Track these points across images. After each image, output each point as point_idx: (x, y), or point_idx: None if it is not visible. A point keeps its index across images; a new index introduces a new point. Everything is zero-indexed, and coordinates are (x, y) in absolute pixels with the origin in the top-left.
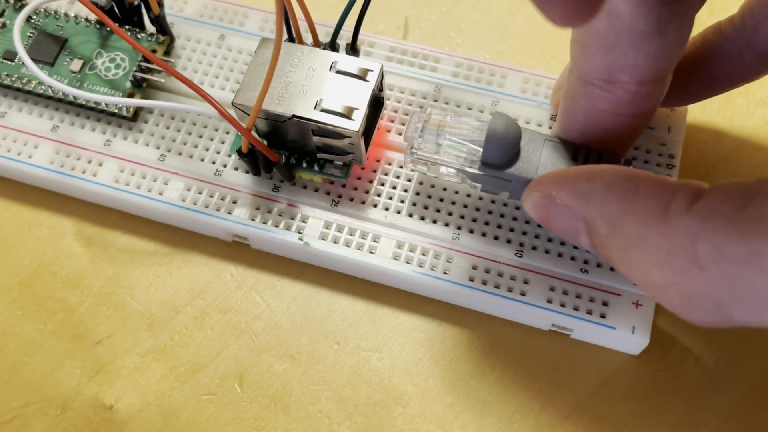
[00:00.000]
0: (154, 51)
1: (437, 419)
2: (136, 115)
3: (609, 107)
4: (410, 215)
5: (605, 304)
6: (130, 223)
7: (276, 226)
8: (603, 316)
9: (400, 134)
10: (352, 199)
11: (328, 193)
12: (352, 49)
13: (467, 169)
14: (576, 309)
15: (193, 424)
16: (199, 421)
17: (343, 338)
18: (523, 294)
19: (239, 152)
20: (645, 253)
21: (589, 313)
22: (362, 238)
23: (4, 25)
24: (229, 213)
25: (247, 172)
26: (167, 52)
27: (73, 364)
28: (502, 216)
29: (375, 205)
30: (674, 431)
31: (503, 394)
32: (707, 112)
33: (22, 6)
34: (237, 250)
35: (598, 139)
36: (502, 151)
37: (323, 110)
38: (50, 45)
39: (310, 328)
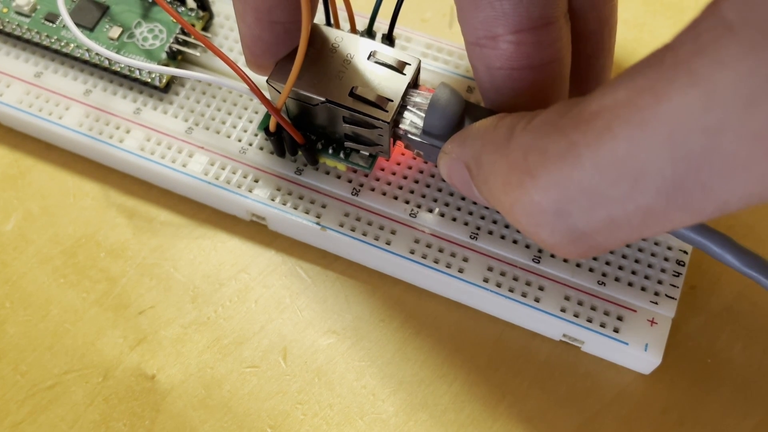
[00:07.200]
0: (192, 26)
1: (482, 399)
2: (168, 86)
3: (501, 63)
4: (430, 211)
5: (620, 318)
6: (172, 199)
7: (295, 209)
8: (616, 331)
9: None
10: (373, 190)
11: (349, 181)
12: (389, 39)
13: (409, 135)
14: (589, 320)
15: (236, 396)
16: (242, 393)
17: (388, 316)
18: (537, 300)
19: (266, 130)
20: (495, 180)
21: (603, 326)
22: (380, 229)
23: None
24: (250, 191)
25: (272, 153)
26: (205, 29)
27: (115, 333)
28: None
29: (395, 198)
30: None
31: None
32: None
33: None
34: (277, 234)
35: (519, 104)
36: (442, 120)
37: (357, 98)
38: (92, 11)
39: (355, 304)
